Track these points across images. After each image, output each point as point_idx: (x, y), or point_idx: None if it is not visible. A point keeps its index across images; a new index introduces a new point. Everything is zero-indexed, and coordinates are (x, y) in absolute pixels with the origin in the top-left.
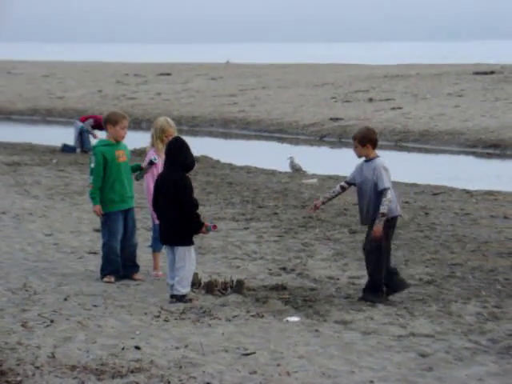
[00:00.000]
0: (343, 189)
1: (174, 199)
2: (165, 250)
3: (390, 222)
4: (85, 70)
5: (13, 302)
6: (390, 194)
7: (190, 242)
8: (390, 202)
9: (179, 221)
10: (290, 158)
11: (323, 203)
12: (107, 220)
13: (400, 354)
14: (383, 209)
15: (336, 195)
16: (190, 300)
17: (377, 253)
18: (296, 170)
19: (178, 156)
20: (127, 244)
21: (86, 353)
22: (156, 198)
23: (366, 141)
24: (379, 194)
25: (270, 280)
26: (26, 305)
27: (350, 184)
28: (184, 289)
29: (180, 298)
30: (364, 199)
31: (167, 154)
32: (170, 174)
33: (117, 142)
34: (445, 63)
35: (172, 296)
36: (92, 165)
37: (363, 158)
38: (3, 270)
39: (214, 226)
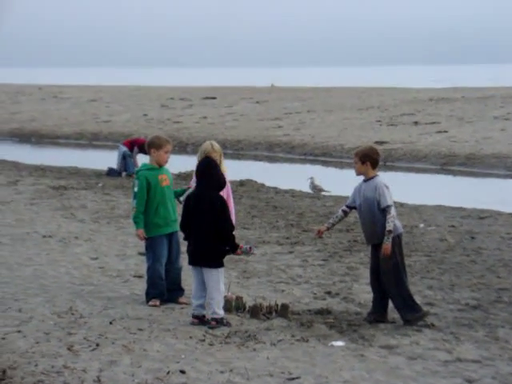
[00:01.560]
0: (345, 213)
1: (209, 220)
2: (193, 270)
3: (397, 240)
4: (130, 94)
5: (59, 325)
6: (393, 211)
7: (222, 264)
8: (395, 219)
9: (215, 242)
10: (311, 178)
11: (328, 229)
12: (152, 244)
13: (446, 379)
14: (389, 226)
15: (339, 220)
16: (229, 323)
17: (394, 271)
18: (317, 190)
19: (212, 175)
20: (172, 267)
21: (132, 376)
22: (186, 217)
23: (366, 159)
24: (383, 211)
25: (314, 304)
26: (71, 328)
27: (350, 208)
28: (222, 311)
29: (220, 321)
30: (367, 219)
31: (200, 173)
32: (205, 193)
33: (160, 166)
34: (490, 86)
35: (212, 319)
36: (135, 189)
37: (361, 179)
38: (49, 294)
39: (250, 248)
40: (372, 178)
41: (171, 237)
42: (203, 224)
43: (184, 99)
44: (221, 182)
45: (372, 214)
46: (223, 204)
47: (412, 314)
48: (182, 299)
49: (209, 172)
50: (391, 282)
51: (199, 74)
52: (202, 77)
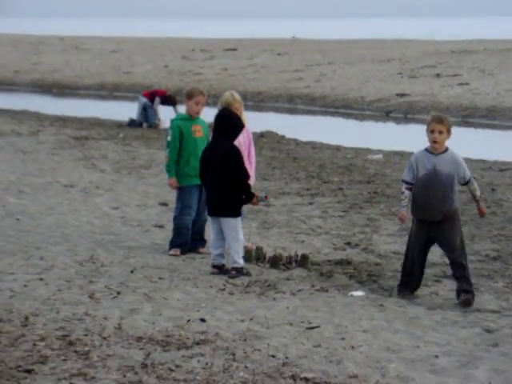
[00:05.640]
0: (410, 190)
1: (224, 170)
2: (210, 221)
3: (459, 212)
4: (151, 46)
5: (80, 273)
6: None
7: (240, 213)
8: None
9: (230, 192)
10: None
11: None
12: (181, 193)
13: (465, 329)
14: (480, 192)
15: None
16: (249, 272)
17: (462, 244)
18: None
19: (226, 124)
20: (198, 218)
21: (152, 324)
22: (203, 169)
23: (451, 130)
24: (464, 184)
25: (334, 255)
26: (93, 277)
27: (411, 185)
28: (241, 260)
29: (240, 270)
30: (434, 196)
31: (216, 124)
32: (219, 145)
33: (192, 116)
34: None
35: (232, 269)
36: (168, 138)
37: (418, 150)
38: (71, 243)
39: (265, 197)
40: (446, 150)
41: (201, 188)
42: (218, 174)
43: (205, 51)
44: (236, 129)
45: (444, 189)
46: (237, 154)
47: (470, 287)
48: (203, 250)
49: (224, 121)
50: (462, 254)
51: (220, 25)
52: (223, 28)
